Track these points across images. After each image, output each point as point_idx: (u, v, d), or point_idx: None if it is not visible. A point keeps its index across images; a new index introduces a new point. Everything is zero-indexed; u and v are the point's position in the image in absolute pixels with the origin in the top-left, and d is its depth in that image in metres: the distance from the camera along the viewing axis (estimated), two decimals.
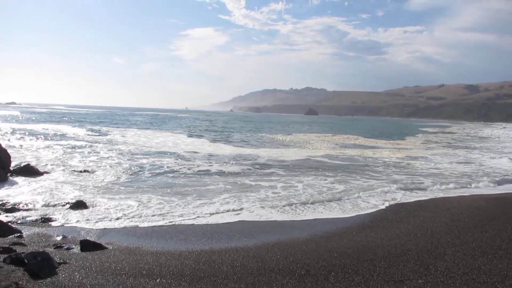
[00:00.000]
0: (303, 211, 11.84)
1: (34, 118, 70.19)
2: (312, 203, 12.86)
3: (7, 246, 7.13)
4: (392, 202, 13.20)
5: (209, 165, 20.75)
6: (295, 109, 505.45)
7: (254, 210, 11.73)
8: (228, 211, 11.53)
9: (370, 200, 13.57)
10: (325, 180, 17.23)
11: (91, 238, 8.37)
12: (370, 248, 8.03)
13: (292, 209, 11.94)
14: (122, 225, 9.75)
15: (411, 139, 54.22)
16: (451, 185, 16.65)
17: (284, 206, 12.29)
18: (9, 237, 8.23)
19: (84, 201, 11.80)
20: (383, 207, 12.58)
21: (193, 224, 10.13)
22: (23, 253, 6.35)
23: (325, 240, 8.76)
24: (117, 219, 10.26)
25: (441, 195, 14.83)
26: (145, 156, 23.45)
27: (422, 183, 17.30)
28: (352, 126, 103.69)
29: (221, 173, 18.39)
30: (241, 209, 11.81)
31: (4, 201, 11.48)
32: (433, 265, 7.01)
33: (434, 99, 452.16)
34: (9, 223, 9.15)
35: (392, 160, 26.30)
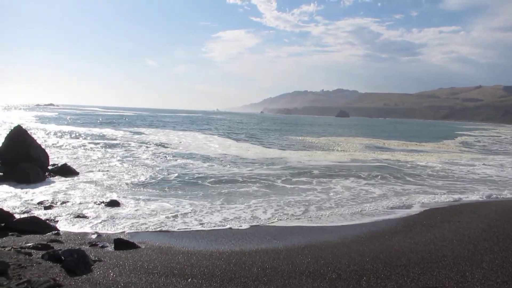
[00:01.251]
0: (332, 215, 11.71)
1: (71, 119, 72.48)
2: (343, 206, 12.71)
3: (45, 243, 7.39)
4: (425, 207, 12.86)
5: (240, 168, 20.85)
6: (326, 111, 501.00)
7: (284, 213, 11.70)
8: (255, 215, 11.54)
9: (402, 204, 13.29)
10: (358, 183, 17.00)
11: (124, 237, 8.54)
12: (403, 253, 7.84)
13: (321, 214, 11.84)
14: (154, 225, 9.90)
15: (448, 142, 52.03)
16: (488, 191, 16.07)
17: (310, 211, 12.20)
18: (47, 234, 8.52)
19: (117, 200, 12.09)
20: (416, 211, 12.29)
21: (223, 227, 10.18)
22: (60, 250, 6.55)
23: (356, 244, 8.62)
24: (150, 218, 10.44)
25: (477, 200, 14.34)
26: (178, 157, 23.81)
27: (458, 188, 16.79)
28: (384, 128, 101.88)
29: (251, 176, 18.41)
30: (271, 212, 11.80)
31: (42, 199, 11.90)
32: (469, 272, 6.78)
33: (470, 101, 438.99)
34: (47, 221, 9.48)
35: (426, 164, 25.64)
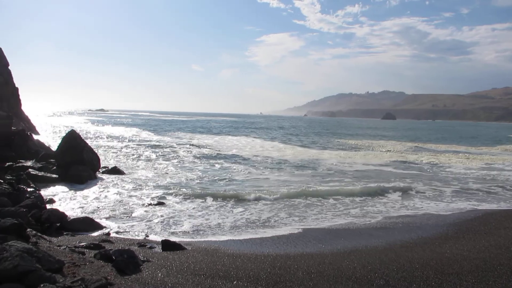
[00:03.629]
0: (375, 218, 11.43)
1: (120, 123, 75.26)
2: (387, 210, 12.39)
3: (97, 242, 7.68)
4: (478, 213, 12.28)
5: (284, 170, 20.80)
6: (371, 114, 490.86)
7: (326, 216, 11.56)
8: (298, 218, 11.46)
9: (453, 209, 12.77)
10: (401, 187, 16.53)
11: (171, 238, 8.73)
12: (456, 261, 7.51)
13: (364, 217, 11.59)
14: (200, 227, 10.05)
15: (506, 147, 47.37)
16: None
17: (352, 214, 11.96)
18: (98, 234, 8.87)
19: (165, 201, 12.40)
20: (468, 217, 11.76)
21: (267, 229, 10.18)
22: (110, 250, 6.78)
23: (405, 250, 8.35)
24: (196, 220, 10.62)
25: None
26: (222, 160, 24.10)
27: None
28: (433, 131, 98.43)
29: (297, 179, 18.33)
30: (314, 215, 11.68)
31: (93, 200, 12.41)
32: None
33: None
34: (98, 221, 9.85)
35: (473, 169, 24.52)
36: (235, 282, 6.15)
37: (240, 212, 11.73)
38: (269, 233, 9.71)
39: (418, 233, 9.97)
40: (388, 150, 35.43)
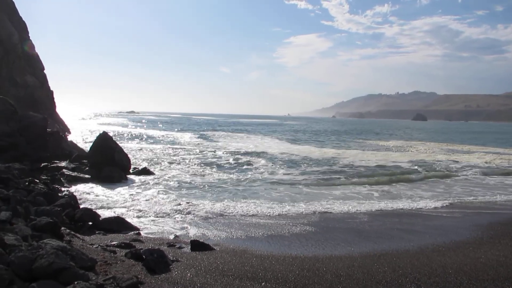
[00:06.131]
0: (410, 220, 11.20)
1: (151, 125, 76.65)
2: (421, 212, 12.11)
3: (127, 242, 7.83)
4: None
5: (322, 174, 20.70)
6: (401, 114, 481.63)
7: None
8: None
9: (486, 212, 12.38)
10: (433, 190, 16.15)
11: (200, 238, 8.80)
12: (491, 267, 7.26)
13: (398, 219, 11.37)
14: (228, 227, 10.10)
15: None
16: None
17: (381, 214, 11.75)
18: (129, 233, 9.03)
19: (194, 202, 12.54)
20: (504, 221, 11.36)
21: (296, 231, 10.12)
22: (141, 249, 6.90)
23: (437, 255, 8.13)
24: (225, 220, 10.68)
25: None
26: (249, 160, 24.15)
27: None
28: (467, 132, 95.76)
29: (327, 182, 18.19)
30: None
31: (124, 200, 12.68)
32: None
33: None
34: (129, 221, 10.05)
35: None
36: (263, 284, 6.14)
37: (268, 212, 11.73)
38: (299, 234, 9.67)
39: (451, 237, 9.70)
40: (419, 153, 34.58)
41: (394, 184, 17.75)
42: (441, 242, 9.16)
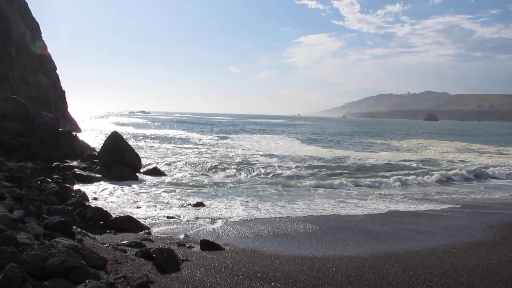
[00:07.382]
0: (422, 221, 11.11)
1: (161, 124, 77.06)
2: (430, 211, 12.00)
3: (138, 241, 7.87)
4: None
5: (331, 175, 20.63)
6: (412, 115, 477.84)
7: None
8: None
9: (498, 213, 12.22)
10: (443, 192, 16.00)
11: (210, 238, 8.81)
12: (504, 268, 7.17)
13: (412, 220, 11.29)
14: (238, 227, 10.10)
15: None
16: None
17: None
18: (139, 233, 9.08)
19: (203, 201, 12.57)
20: None
21: (304, 231, 10.10)
22: (151, 248, 6.94)
23: (449, 256, 8.05)
24: (234, 220, 10.69)
25: None
26: (260, 160, 24.14)
27: None
28: (481, 133, 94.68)
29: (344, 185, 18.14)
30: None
31: (135, 200, 12.75)
32: None
33: None
34: (139, 220, 10.10)
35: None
36: (273, 284, 6.13)
37: (282, 212, 11.72)
38: (309, 234, 9.64)
39: (462, 238, 9.60)
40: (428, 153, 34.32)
41: (404, 185, 17.65)
42: (453, 243, 9.07)
